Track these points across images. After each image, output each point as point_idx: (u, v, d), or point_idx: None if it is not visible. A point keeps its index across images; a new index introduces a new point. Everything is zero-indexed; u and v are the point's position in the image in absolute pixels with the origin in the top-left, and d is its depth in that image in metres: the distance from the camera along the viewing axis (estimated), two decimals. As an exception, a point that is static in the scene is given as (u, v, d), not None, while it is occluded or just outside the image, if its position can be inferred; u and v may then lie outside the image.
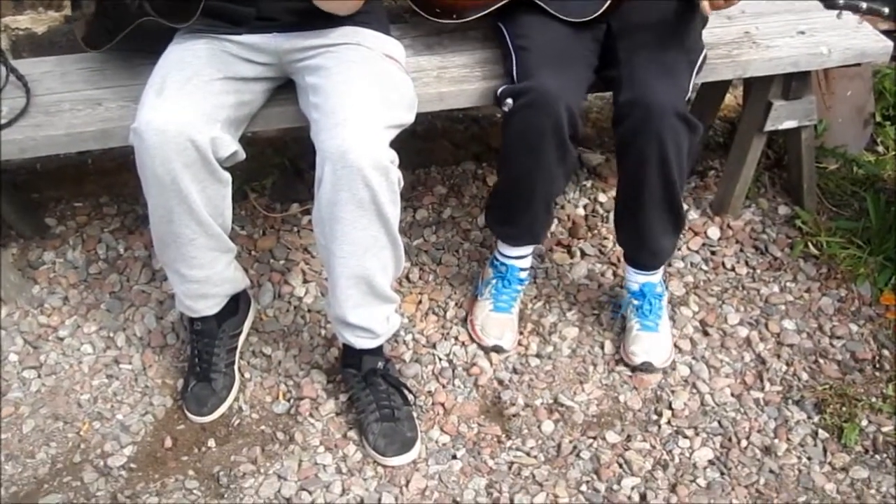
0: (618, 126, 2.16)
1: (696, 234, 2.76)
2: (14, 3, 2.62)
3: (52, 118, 2.18)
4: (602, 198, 2.85)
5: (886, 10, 1.88)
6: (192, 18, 1.92)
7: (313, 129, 1.92)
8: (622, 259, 2.46)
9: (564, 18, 2.19)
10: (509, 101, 2.08)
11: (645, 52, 2.17)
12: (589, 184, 2.91)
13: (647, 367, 2.35)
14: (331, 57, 2.00)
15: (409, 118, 2.02)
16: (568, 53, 2.17)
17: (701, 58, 2.28)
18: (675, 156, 2.11)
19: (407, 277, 2.58)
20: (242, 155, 2.02)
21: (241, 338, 2.35)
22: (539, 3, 2.20)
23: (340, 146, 1.81)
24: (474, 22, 2.30)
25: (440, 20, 2.32)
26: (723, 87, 2.81)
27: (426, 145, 2.95)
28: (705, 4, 1.98)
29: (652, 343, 2.37)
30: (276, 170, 2.87)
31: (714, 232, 2.77)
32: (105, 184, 2.83)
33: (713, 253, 2.72)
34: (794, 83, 2.56)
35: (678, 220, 2.29)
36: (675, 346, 2.42)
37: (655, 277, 2.41)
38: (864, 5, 1.90)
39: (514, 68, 2.14)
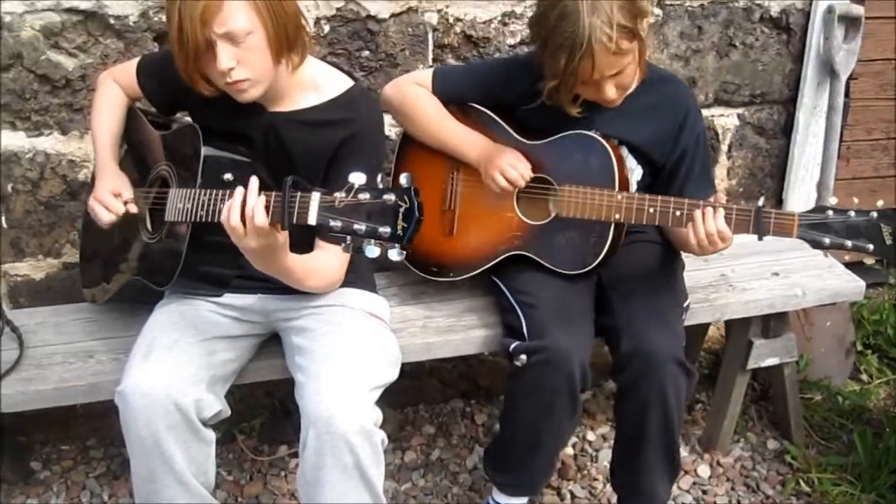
0: (618, 375, 2.20)
1: (686, 472, 2.74)
2: (15, 251, 2.71)
3: (44, 371, 2.21)
4: (591, 436, 2.85)
5: (871, 246, 2.00)
6: (171, 281, 2.00)
7: (298, 391, 1.95)
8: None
9: (560, 271, 2.27)
10: (523, 356, 2.12)
11: (639, 301, 2.24)
12: (577, 421, 2.91)
13: None
14: (316, 318, 2.06)
15: (393, 375, 2.05)
16: (573, 308, 2.23)
17: (687, 303, 2.36)
18: (675, 403, 2.15)
19: (396, 525, 2.54)
20: (227, 412, 2.04)
21: None
22: (536, 258, 2.29)
23: (324, 412, 1.83)
24: (463, 274, 2.40)
25: (437, 278, 2.41)
26: (704, 326, 2.88)
27: (414, 383, 2.97)
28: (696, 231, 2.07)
29: None
30: (265, 410, 2.88)
31: (704, 470, 2.76)
32: (93, 426, 2.82)
33: (704, 492, 2.69)
34: (772, 323, 2.63)
35: (675, 467, 2.30)
36: None
37: (650, 518, 2.39)
38: (850, 244, 2.01)
39: (524, 325, 2.18)
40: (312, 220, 1.60)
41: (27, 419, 2.80)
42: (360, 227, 1.55)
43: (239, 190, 1.72)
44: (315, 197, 1.60)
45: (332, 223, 1.57)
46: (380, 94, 2.44)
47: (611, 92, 2.11)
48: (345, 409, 1.84)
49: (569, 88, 2.08)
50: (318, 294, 2.10)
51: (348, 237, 1.57)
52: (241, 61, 1.85)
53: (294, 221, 1.64)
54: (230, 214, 1.71)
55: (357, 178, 1.57)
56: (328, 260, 2.02)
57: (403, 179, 1.57)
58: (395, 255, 1.57)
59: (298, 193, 1.62)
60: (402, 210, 1.54)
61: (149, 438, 1.89)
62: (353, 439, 1.83)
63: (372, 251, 1.56)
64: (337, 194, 1.58)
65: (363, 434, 1.85)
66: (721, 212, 2.06)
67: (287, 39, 1.89)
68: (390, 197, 1.54)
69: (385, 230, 1.54)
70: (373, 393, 1.94)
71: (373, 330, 2.09)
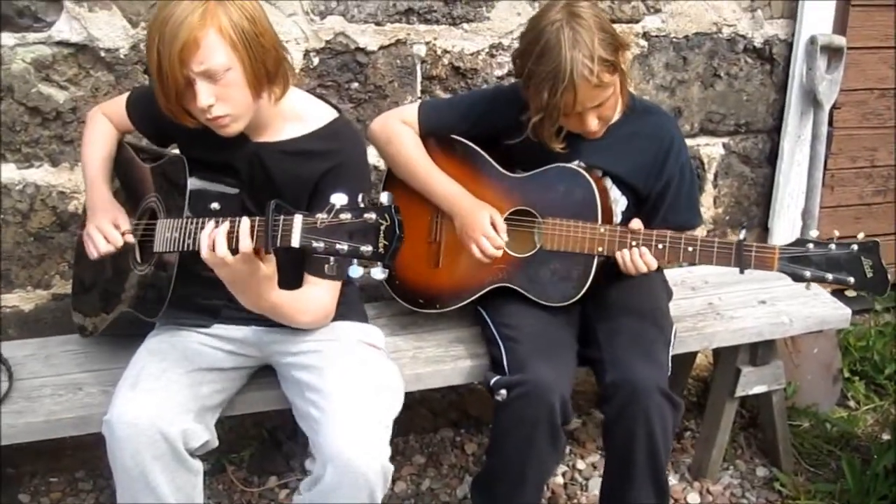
0: (604, 406, 2.22)
1: (676, 500, 2.74)
2: (4, 282, 2.71)
3: (33, 404, 2.19)
4: (580, 464, 2.85)
5: (852, 279, 2.03)
6: (160, 312, 2.00)
7: (311, 426, 1.95)
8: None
9: (545, 303, 2.28)
10: (503, 391, 2.13)
11: (623, 332, 2.26)
12: (567, 449, 2.91)
13: None
14: (319, 355, 2.05)
15: (400, 406, 2.07)
16: (555, 341, 2.25)
17: (673, 333, 2.37)
18: (661, 432, 2.16)
19: (386, 558, 2.52)
20: (215, 443, 2.03)
21: None
22: (521, 290, 2.30)
23: (345, 451, 1.83)
24: (450, 303, 2.41)
25: (423, 310, 2.42)
26: (692, 354, 2.89)
27: (404, 413, 2.90)
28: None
29: None
30: (254, 441, 2.87)
31: (694, 498, 2.76)
32: (82, 458, 2.81)
33: (695, 521, 2.70)
34: (760, 350, 2.65)
35: (663, 493, 2.29)
36: None
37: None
38: (831, 277, 2.04)
39: (505, 358, 2.19)
40: (296, 241, 1.60)
41: (16, 451, 2.78)
42: (343, 246, 1.56)
43: (210, 224, 1.74)
44: (297, 219, 1.61)
45: (314, 244, 1.58)
46: (367, 126, 2.46)
47: (593, 123, 2.15)
48: (366, 450, 1.85)
49: (552, 121, 2.12)
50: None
51: (332, 258, 1.58)
52: (221, 97, 1.86)
53: (278, 244, 1.65)
54: (215, 245, 1.72)
55: (338, 199, 1.58)
56: (318, 294, 2.03)
57: (384, 198, 1.58)
58: (378, 273, 1.57)
59: (281, 216, 1.64)
60: (383, 228, 1.55)
61: (134, 469, 1.88)
62: (373, 479, 1.84)
63: (355, 271, 1.57)
64: (319, 215, 1.59)
65: (382, 474, 1.86)
66: (644, 249, 2.15)
67: (267, 74, 1.91)
68: (371, 216, 1.55)
69: (367, 248, 1.55)
70: (388, 430, 1.96)
71: (376, 363, 2.10)
